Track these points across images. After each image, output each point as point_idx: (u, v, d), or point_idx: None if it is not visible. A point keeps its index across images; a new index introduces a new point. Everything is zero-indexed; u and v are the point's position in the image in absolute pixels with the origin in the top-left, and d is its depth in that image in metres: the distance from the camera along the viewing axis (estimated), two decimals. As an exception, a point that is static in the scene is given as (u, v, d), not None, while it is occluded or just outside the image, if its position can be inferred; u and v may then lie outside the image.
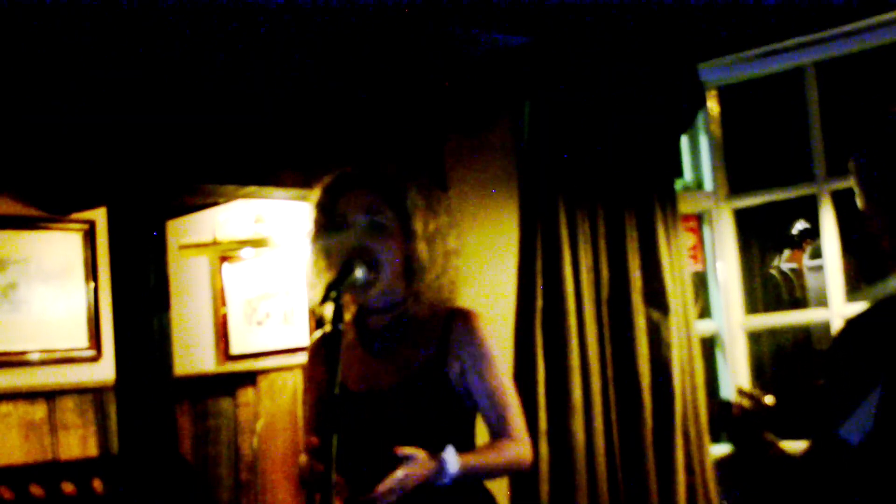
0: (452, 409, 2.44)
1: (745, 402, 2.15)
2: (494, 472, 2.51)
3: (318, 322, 2.40)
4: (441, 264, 2.49)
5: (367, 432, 2.41)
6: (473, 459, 2.39)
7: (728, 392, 4.20)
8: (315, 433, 2.55)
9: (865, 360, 2.00)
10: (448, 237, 2.52)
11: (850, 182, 2.09)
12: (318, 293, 2.39)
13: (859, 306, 2.20)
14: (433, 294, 2.48)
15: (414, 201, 2.47)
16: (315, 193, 2.55)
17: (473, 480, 2.43)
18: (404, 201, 2.46)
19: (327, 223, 2.49)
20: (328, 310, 2.23)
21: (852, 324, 2.14)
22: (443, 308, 2.49)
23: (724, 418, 2.19)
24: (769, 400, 2.08)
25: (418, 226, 2.46)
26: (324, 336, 2.57)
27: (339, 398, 2.18)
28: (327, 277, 2.40)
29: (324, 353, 2.55)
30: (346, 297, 2.48)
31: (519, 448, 2.47)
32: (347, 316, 2.55)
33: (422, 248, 2.45)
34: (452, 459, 2.33)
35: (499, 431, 2.47)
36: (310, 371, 2.62)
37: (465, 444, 2.46)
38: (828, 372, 2.13)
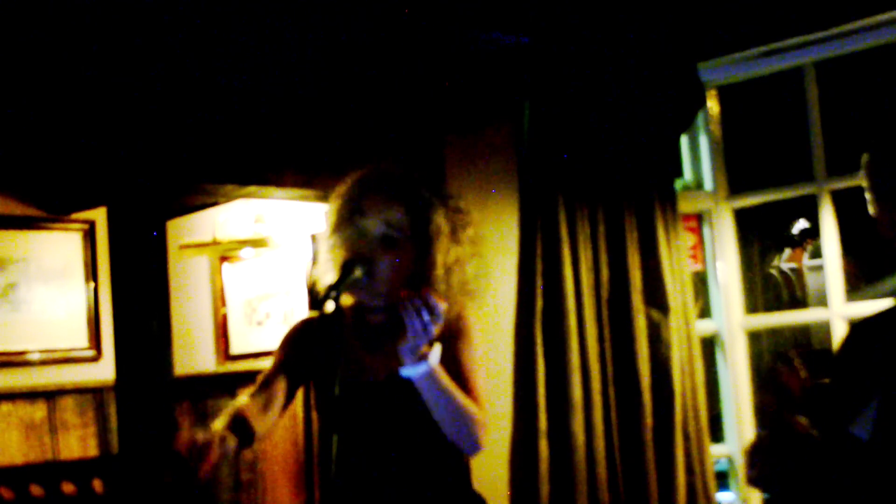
0: None
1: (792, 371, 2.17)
2: (452, 405, 2.33)
3: (314, 301, 2.38)
4: (454, 295, 2.43)
5: (360, 422, 2.41)
6: (446, 377, 2.32)
7: (731, 391, 4.20)
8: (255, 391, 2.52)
9: (875, 361, 2.00)
10: (467, 266, 2.47)
11: (852, 182, 2.09)
12: (322, 289, 2.39)
13: (861, 307, 2.21)
14: (451, 294, 2.46)
15: (439, 226, 2.43)
16: (345, 182, 2.51)
17: (438, 403, 2.31)
18: (429, 223, 2.42)
19: (348, 216, 2.46)
20: (329, 306, 2.24)
21: (863, 325, 2.14)
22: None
23: (772, 381, 2.20)
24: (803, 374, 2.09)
25: (439, 255, 2.42)
26: (306, 323, 2.56)
27: (339, 398, 2.18)
28: (334, 272, 2.40)
29: (307, 338, 2.51)
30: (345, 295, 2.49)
31: (480, 413, 2.38)
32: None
33: (439, 275, 2.42)
34: (436, 355, 2.27)
35: None
36: (282, 353, 2.54)
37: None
38: (837, 371, 2.13)
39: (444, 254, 2.44)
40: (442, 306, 2.20)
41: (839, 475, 2.00)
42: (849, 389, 2.03)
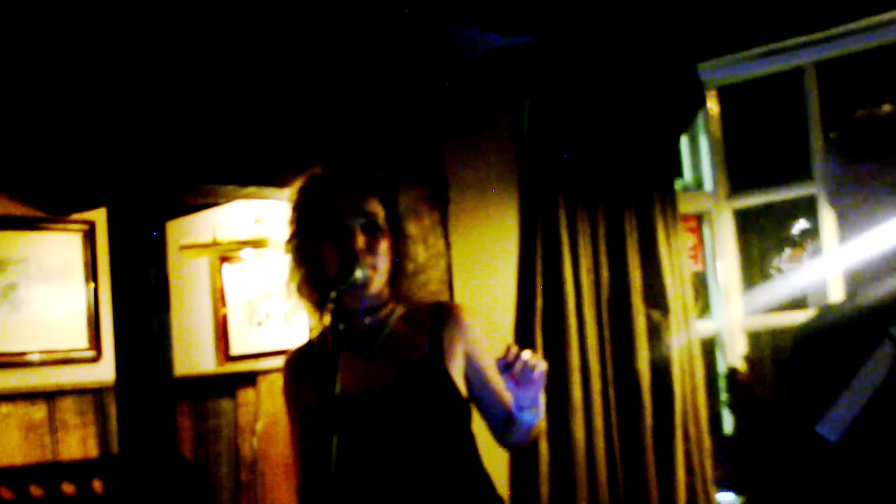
0: (451, 401, 2.44)
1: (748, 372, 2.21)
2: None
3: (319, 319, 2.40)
4: (433, 265, 2.51)
5: (365, 434, 2.40)
6: None
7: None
8: (304, 443, 2.55)
9: (837, 364, 2.01)
10: (435, 238, 2.56)
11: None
12: (314, 296, 2.40)
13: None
14: (423, 292, 2.49)
15: (407, 204, 2.48)
16: (297, 194, 2.53)
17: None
18: (397, 204, 2.46)
19: (319, 226, 2.46)
20: (329, 310, 2.23)
21: (816, 330, 2.17)
22: (425, 302, 2.50)
23: (730, 382, 2.26)
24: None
25: (412, 229, 2.47)
26: (307, 346, 2.57)
27: (339, 398, 2.18)
28: (318, 280, 2.42)
29: (303, 365, 2.53)
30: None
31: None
32: (326, 320, 2.55)
33: (418, 250, 2.46)
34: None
35: (504, 416, 2.49)
36: (289, 388, 2.56)
37: (464, 435, 2.46)
38: (794, 377, 2.14)
39: (417, 227, 2.49)
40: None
41: (808, 474, 2.01)
42: (812, 392, 2.04)
